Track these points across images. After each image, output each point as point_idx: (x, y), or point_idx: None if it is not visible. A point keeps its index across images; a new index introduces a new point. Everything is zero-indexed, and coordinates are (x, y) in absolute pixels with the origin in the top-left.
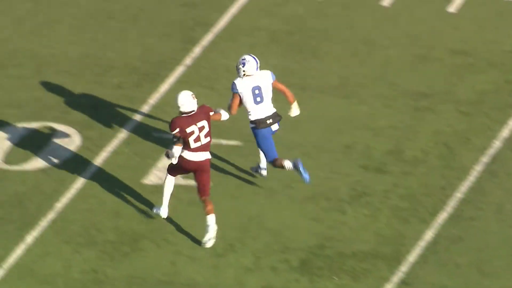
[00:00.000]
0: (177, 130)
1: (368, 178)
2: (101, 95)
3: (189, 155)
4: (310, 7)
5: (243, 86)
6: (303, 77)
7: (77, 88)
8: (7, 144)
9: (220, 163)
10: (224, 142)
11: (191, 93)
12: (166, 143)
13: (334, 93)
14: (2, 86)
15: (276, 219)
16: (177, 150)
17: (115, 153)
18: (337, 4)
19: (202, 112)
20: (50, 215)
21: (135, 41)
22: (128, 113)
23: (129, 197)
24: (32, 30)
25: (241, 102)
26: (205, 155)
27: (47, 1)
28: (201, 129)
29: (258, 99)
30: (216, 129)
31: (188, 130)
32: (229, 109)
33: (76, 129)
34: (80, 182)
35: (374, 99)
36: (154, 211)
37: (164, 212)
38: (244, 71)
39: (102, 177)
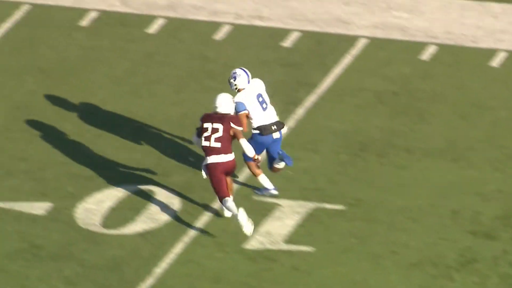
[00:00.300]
0: (201, 122)
1: (477, 244)
2: (203, 157)
3: (210, 159)
4: (417, 67)
5: (248, 99)
6: (409, 139)
7: (178, 150)
8: (106, 207)
9: (323, 228)
10: (328, 206)
11: (232, 97)
12: (268, 208)
13: (441, 156)
14: (102, 147)
15: (382, 285)
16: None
17: (216, 217)
18: (445, 64)
19: (226, 117)
20: (149, 281)
21: None
22: None
23: (229, 262)
24: (130, 91)
25: (247, 116)
26: (225, 157)
27: (145, 62)
28: (214, 130)
29: (264, 105)
30: (318, 192)
31: (204, 125)
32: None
33: (176, 192)
34: (179, 246)
35: (483, 162)
36: (245, 229)
37: (248, 228)
38: (235, 85)
39: (202, 242)
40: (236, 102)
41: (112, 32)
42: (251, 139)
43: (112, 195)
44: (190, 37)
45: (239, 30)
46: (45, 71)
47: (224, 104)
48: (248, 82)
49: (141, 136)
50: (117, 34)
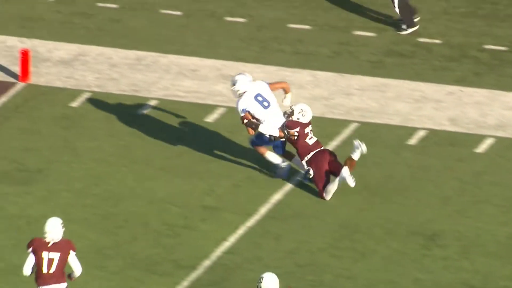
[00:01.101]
0: (298, 128)
1: None
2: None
3: (314, 148)
4: None
5: (248, 101)
6: None
7: (502, 271)
8: None
9: None
10: None
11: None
12: None
13: None
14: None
15: None
16: (265, 129)
17: None
18: None
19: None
20: None
21: None
22: None
23: None
24: (458, 210)
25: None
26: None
27: (474, 181)
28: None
29: (265, 103)
30: None
31: (306, 131)
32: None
33: None
34: None
35: None
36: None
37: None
38: (238, 90)
39: None
40: (237, 107)
41: (441, 151)
42: (261, 135)
43: None
44: None
45: None
46: (372, 189)
47: (309, 114)
48: (248, 84)
49: (468, 256)
50: (445, 153)
